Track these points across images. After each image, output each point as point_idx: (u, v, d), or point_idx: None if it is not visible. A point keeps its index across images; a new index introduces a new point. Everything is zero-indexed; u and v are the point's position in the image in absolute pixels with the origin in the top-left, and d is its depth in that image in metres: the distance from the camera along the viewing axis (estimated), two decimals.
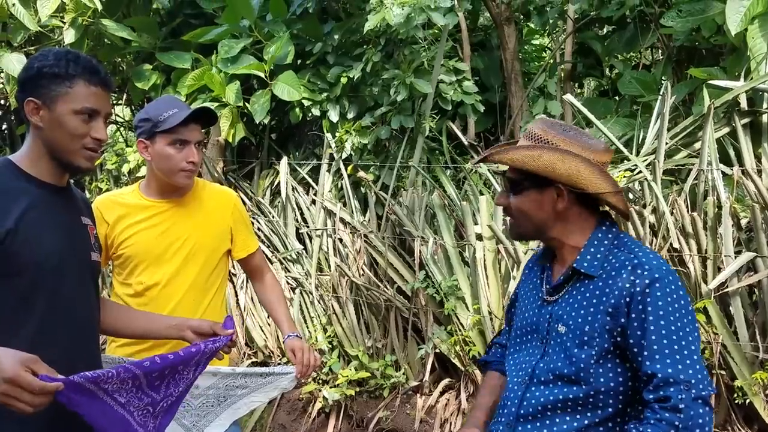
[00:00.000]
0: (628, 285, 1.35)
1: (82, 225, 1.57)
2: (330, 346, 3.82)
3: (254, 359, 4.13)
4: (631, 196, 3.20)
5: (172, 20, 4.62)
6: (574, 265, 1.44)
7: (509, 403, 1.51)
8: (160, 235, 2.02)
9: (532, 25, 5.16)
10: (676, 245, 2.88)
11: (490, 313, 3.29)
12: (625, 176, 3.20)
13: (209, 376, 1.84)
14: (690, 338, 1.32)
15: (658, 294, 1.33)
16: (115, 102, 5.29)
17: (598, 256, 1.44)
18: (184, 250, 2.03)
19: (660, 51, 4.58)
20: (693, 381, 1.27)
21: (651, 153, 3.22)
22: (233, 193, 2.22)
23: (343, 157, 3.90)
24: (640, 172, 3.11)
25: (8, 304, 1.37)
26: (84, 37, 3.91)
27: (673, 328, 1.31)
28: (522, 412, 1.46)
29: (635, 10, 3.81)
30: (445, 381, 3.50)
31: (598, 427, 1.39)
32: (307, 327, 3.94)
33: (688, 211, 2.93)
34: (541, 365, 1.46)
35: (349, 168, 3.91)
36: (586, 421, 1.39)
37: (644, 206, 3.06)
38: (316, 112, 3.92)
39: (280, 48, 3.80)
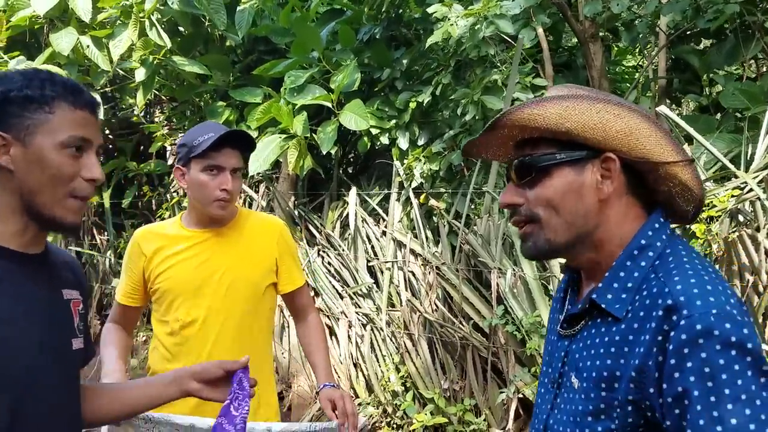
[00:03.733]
0: (659, 339, 0.86)
1: (62, 303, 1.18)
2: (403, 387, 3.56)
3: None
4: (741, 218, 2.78)
5: (246, 57, 4.67)
6: (593, 296, 0.98)
7: None
8: (198, 267, 1.86)
9: (621, 45, 4.83)
10: None
11: None
12: (733, 195, 2.80)
13: None
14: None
15: (706, 357, 0.82)
16: None
17: (629, 285, 0.95)
18: (224, 283, 1.85)
19: (766, 61, 4.12)
20: None
21: (762, 169, 2.81)
22: (280, 222, 2.04)
23: (414, 185, 3.70)
24: (751, 190, 2.71)
25: None
26: (154, 75, 3.97)
27: (734, 417, 0.80)
28: None
29: (735, 20, 3.43)
30: None
31: None
32: (379, 365, 3.71)
33: None
34: (552, 423, 1.04)
35: (421, 197, 3.70)
36: None
37: (758, 229, 2.64)
38: (384, 140, 3.77)
39: (347, 76, 3.70)
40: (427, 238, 3.67)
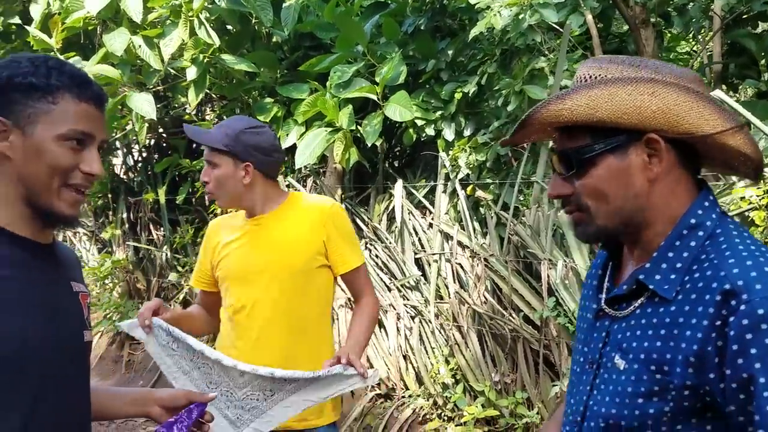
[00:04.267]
0: (718, 324, 0.85)
1: (72, 295, 1.17)
2: (454, 379, 3.55)
3: (378, 391, 3.95)
4: None
5: (292, 54, 4.72)
6: (640, 276, 0.96)
7: None
8: (244, 255, 1.94)
9: (673, 31, 4.67)
10: None
11: None
12: None
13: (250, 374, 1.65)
14: None
15: None
16: None
17: (679, 265, 0.93)
18: (267, 270, 1.91)
19: None
20: None
21: None
22: (330, 204, 2.01)
23: (460, 176, 3.67)
24: None
25: None
26: (206, 74, 4.05)
27: None
28: None
29: None
30: None
31: None
32: (429, 358, 3.71)
33: None
34: (592, 404, 1.02)
35: (468, 189, 3.67)
36: None
37: None
38: (430, 131, 3.75)
39: (392, 69, 3.69)
40: (474, 229, 3.64)
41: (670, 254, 0.95)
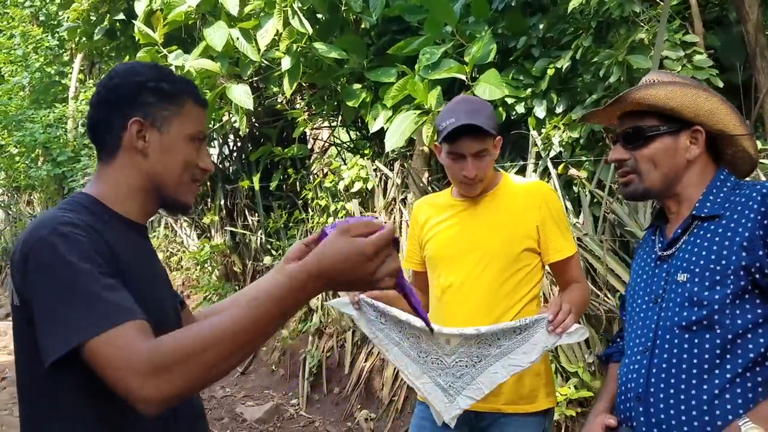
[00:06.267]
0: (763, 211, 1.22)
1: (161, 265, 1.33)
2: None
3: None
4: None
5: (380, 39, 4.77)
6: (694, 212, 1.35)
7: (634, 376, 1.35)
8: (455, 235, 1.93)
9: None
10: None
11: None
12: None
13: (455, 337, 1.69)
14: None
15: None
16: (331, 124, 5.62)
17: (718, 199, 1.33)
18: (477, 252, 1.88)
19: None
20: None
21: None
22: (544, 188, 1.97)
23: (552, 155, 3.60)
24: None
25: None
26: (299, 63, 4.15)
27: None
28: (653, 380, 1.30)
29: None
30: None
31: (743, 381, 1.20)
32: None
33: None
34: (662, 324, 1.32)
35: (560, 167, 3.59)
36: (727, 375, 1.21)
37: None
38: (520, 109, 3.69)
39: (481, 48, 3.65)
40: (567, 208, 3.56)
41: (711, 196, 1.34)
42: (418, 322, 1.68)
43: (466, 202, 1.95)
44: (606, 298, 3.25)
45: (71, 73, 9.86)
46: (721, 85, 3.27)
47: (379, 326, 1.76)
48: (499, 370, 1.66)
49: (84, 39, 6.17)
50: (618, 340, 1.65)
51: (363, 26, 4.80)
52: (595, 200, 3.44)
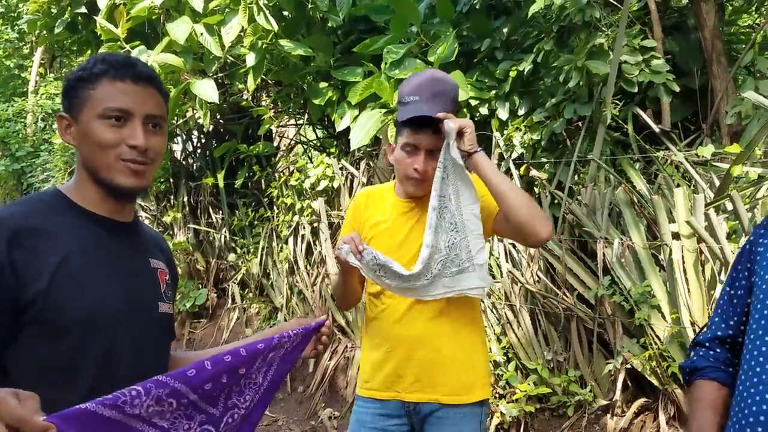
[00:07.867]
0: None
1: (149, 270, 1.27)
2: (505, 357, 3.56)
3: None
4: None
5: (346, 38, 4.77)
6: None
7: None
8: (395, 245, 1.84)
9: (735, 3, 4.49)
10: None
11: (692, 323, 2.81)
12: None
13: (425, 267, 1.73)
14: None
15: None
16: (297, 122, 5.59)
17: None
18: (414, 255, 1.81)
19: None
20: None
21: None
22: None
23: (514, 156, 3.66)
24: None
25: (52, 369, 1.09)
26: (263, 60, 4.13)
27: None
28: None
29: None
30: (641, 401, 3.05)
31: None
32: None
33: None
34: None
35: (522, 168, 3.65)
36: None
37: None
38: (484, 111, 3.74)
39: (446, 48, 3.69)
40: None
41: None
42: (412, 271, 1.72)
43: (409, 203, 1.87)
44: (564, 296, 3.32)
45: (31, 66, 9.61)
46: (677, 89, 3.37)
47: (380, 274, 1.75)
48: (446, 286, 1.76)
49: (44, 32, 6.02)
50: (702, 346, 1.31)
51: (330, 25, 4.80)
52: (555, 201, 3.51)
